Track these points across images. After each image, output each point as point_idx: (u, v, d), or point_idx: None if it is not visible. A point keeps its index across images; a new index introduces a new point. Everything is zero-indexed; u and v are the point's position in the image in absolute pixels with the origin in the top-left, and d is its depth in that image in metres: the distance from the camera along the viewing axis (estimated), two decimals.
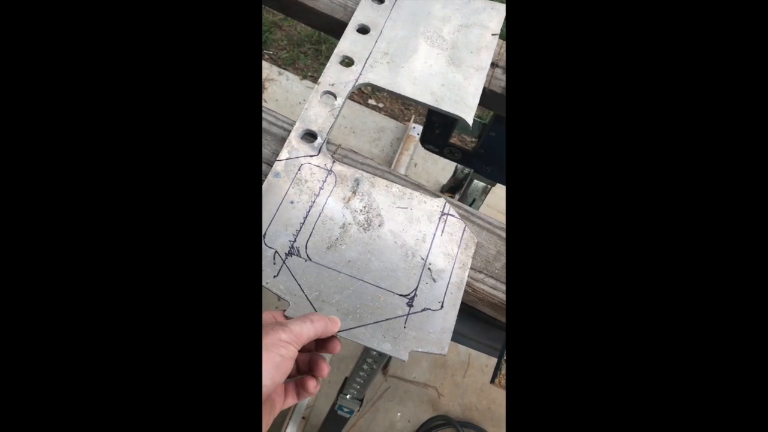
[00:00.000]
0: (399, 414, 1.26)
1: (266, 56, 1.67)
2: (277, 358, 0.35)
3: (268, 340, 0.36)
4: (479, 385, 1.31)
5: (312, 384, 0.41)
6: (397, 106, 1.67)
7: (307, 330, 0.39)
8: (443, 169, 1.55)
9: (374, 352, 0.76)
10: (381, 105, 1.66)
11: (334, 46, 0.60)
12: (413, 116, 1.64)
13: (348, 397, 0.90)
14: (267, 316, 0.42)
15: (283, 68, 1.65)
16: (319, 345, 0.44)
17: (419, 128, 1.55)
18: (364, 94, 1.66)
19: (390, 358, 1.23)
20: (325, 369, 0.42)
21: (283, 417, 1.19)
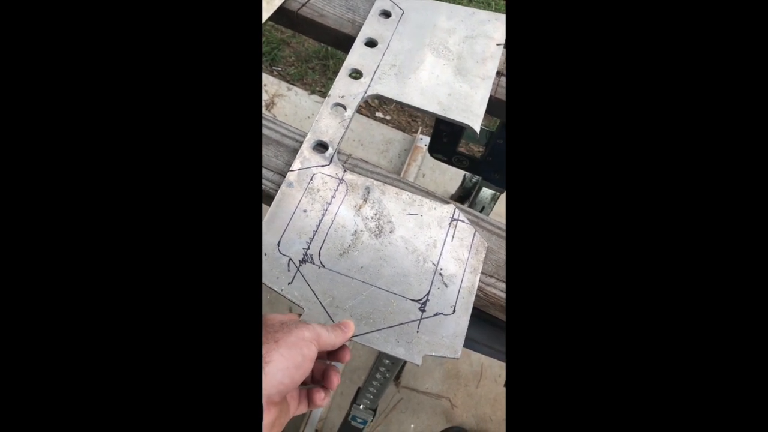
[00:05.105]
0: (412, 426, 1.25)
1: (275, 72, 1.70)
2: (299, 357, 0.35)
3: (291, 338, 0.36)
4: (493, 395, 1.30)
5: (320, 396, 0.41)
6: (404, 118, 1.69)
7: (326, 335, 0.39)
8: (451, 179, 1.56)
9: (387, 361, 0.76)
10: (388, 117, 1.68)
11: (341, 61, 0.62)
12: (420, 128, 1.65)
13: (361, 407, 0.90)
14: (285, 317, 0.43)
15: (292, 84, 1.68)
16: (330, 353, 0.44)
17: (426, 139, 1.56)
18: (371, 107, 1.68)
19: (402, 368, 1.23)
20: (335, 381, 0.41)
21: (295, 430, 1.19)
